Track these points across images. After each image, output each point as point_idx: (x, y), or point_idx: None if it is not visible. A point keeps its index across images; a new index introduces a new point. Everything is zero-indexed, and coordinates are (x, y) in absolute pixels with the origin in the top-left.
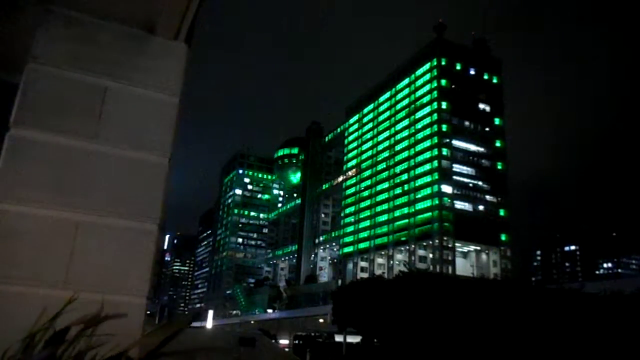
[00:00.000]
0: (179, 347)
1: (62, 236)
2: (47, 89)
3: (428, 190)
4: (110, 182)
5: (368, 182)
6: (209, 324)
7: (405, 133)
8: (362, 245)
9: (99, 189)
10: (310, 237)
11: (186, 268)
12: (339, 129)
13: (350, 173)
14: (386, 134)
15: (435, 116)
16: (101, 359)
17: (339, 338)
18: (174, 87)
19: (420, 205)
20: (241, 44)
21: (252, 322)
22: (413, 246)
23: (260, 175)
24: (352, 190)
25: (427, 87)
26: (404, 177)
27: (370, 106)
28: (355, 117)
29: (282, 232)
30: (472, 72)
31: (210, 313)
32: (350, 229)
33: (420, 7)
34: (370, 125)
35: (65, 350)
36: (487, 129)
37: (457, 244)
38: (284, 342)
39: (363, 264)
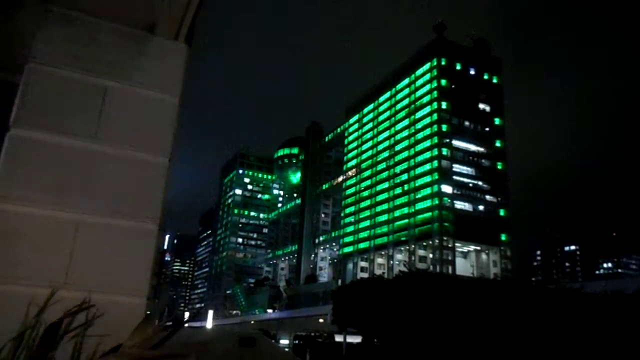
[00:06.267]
0: (178, 347)
1: (62, 236)
2: (47, 89)
3: (428, 190)
4: (110, 182)
5: (368, 182)
6: (209, 324)
7: (405, 133)
8: (362, 245)
9: (99, 189)
10: (310, 237)
11: (186, 268)
12: (339, 129)
13: (350, 173)
14: (386, 134)
15: (435, 116)
16: (96, 357)
17: (339, 338)
18: (174, 87)
19: (420, 205)
20: (241, 44)
21: (252, 322)
22: (413, 246)
23: (260, 175)
24: (352, 190)
25: (427, 87)
26: (404, 177)
27: (370, 106)
28: (355, 117)
29: (282, 232)
30: (472, 72)
31: (210, 313)
32: (350, 229)
33: (420, 6)
34: (370, 125)
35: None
36: (487, 129)
37: (457, 244)
38: (283, 342)
39: (363, 264)
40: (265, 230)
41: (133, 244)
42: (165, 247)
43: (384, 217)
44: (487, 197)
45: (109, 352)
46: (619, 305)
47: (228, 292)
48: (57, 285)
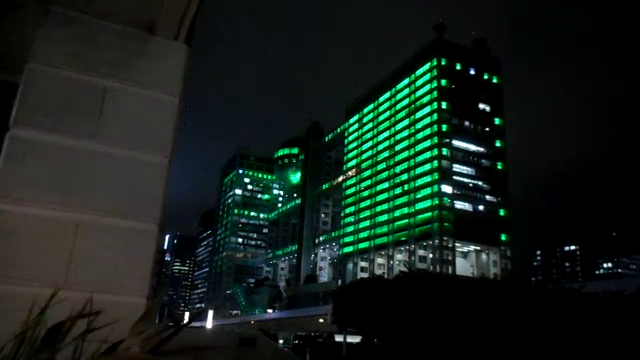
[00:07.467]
0: (177, 346)
1: (62, 236)
2: (47, 89)
3: (428, 190)
4: (110, 182)
5: (368, 182)
6: (209, 324)
7: (405, 133)
8: (362, 245)
9: (99, 189)
10: (310, 237)
11: (186, 268)
12: (339, 129)
13: (350, 173)
14: (386, 133)
15: (435, 116)
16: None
17: (339, 338)
18: (174, 87)
19: (420, 205)
20: (241, 44)
21: (252, 322)
22: (413, 246)
23: (260, 175)
24: (352, 190)
25: (427, 87)
26: (404, 177)
27: (370, 106)
28: (355, 117)
29: (282, 232)
30: (472, 72)
31: (210, 313)
32: (350, 229)
33: (420, 6)
34: (370, 125)
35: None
36: (487, 129)
37: (457, 244)
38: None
39: (363, 264)
40: (265, 230)
41: (133, 244)
42: (165, 247)
43: (384, 217)
44: (487, 197)
45: (105, 353)
46: (619, 305)
47: (228, 292)
48: (57, 285)
